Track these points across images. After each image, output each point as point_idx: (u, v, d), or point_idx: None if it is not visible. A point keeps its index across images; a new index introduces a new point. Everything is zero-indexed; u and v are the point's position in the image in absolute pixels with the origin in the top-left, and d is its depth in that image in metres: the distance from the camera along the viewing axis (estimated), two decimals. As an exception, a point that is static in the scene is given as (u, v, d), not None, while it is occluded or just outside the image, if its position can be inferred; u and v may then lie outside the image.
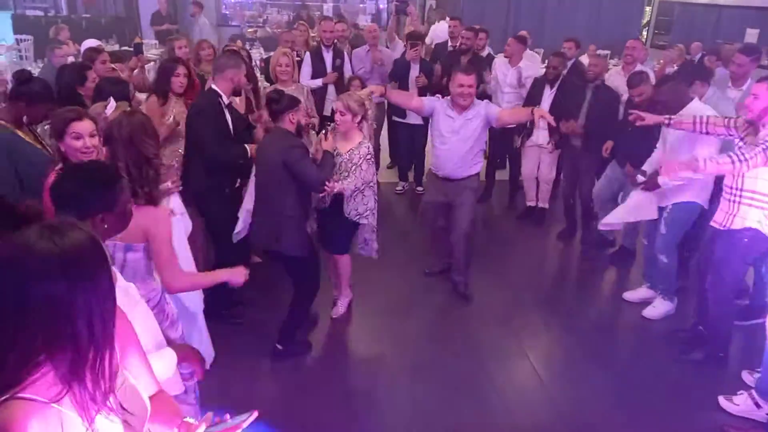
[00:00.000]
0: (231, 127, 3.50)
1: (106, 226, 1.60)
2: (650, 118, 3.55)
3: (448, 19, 8.36)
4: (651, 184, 3.67)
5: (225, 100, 3.47)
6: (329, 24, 5.52)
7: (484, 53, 5.97)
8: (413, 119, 5.67)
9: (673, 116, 3.48)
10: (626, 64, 5.22)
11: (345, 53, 5.60)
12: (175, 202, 2.94)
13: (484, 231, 5.21)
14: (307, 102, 4.66)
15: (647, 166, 3.85)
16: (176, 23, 10.72)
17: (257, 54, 8.59)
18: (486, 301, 4.18)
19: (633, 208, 3.92)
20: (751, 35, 9.50)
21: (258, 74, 5.80)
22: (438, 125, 3.91)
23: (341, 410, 3.06)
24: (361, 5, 13.91)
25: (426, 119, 5.57)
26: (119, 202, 1.64)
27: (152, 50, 8.61)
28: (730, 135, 3.29)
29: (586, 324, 3.99)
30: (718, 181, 3.53)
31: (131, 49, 7.82)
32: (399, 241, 4.98)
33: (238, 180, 3.65)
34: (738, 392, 3.15)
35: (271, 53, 5.87)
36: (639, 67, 4.97)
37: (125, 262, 2.18)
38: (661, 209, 3.83)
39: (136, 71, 5.04)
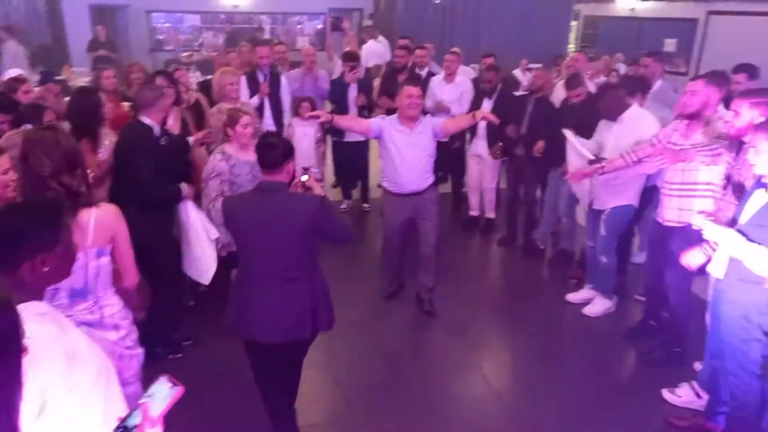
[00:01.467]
0: (168, 159, 3.33)
1: (47, 269, 1.45)
2: (587, 171, 3.76)
3: (380, 37, 8.49)
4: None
5: (158, 131, 3.31)
6: (264, 49, 5.45)
7: (424, 71, 6.07)
8: (353, 137, 5.70)
9: (604, 164, 3.68)
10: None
11: (283, 76, 5.55)
12: None
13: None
14: (255, 119, 4.59)
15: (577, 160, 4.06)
16: (116, 51, 10.45)
17: (194, 78, 8.43)
18: (438, 312, 4.20)
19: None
20: (670, 45, 10.12)
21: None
22: (391, 143, 3.86)
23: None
24: (299, 26, 13.95)
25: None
26: (61, 241, 1.49)
27: (81, 78, 8.31)
28: (657, 149, 3.44)
29: (533, 328, 4.07)
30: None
31: (62, 78, 7.54)
32: (349, 260, 4.96)
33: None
34: (679, 384, 3.28)
35: (209, 76, 5.79)
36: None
37: (99, 269, 2.15)
38: (599, 213, 3.99)
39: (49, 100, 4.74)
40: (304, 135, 5.32)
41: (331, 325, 2.64)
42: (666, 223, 3.39)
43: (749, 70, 4.20)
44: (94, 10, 12.07)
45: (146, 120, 3.28)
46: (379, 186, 4.42)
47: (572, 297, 4.38)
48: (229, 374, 3.31)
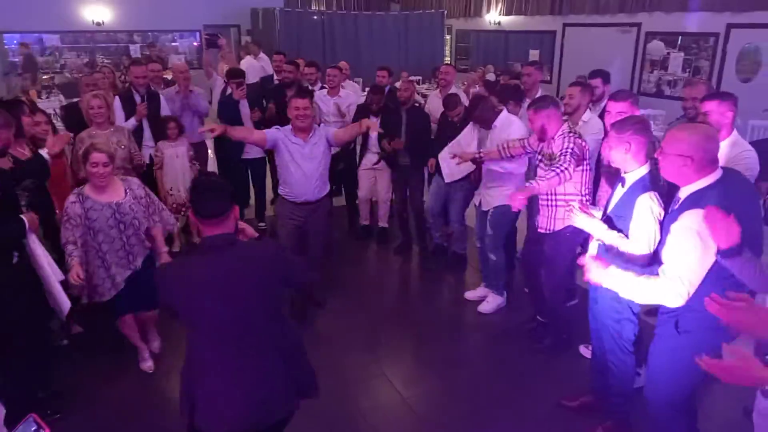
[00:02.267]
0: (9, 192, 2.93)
1: None
2: (465, 156, 4.03)
3: (261, 54, 8.38)
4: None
5: None
6: (140, 69, 5.16)
7: (317, 87, 6.07)
8: (251, 154, 5.57)
9: (482, 151, 3.99)
10: (442, 87, 5.60)
11: (162, 95, 5.28)
12: None
13: (330, 256, 5.23)
14: (131, 144, 4.42)
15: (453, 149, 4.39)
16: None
17: (57, 102, 7.80)
18: (340, 325, 4.19)
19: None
20: (534, 55, 10.96)
21: (57, 122, 5.27)
22: (287, 154, 3.93)
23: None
24: (173, 44, 13.40)
25: (267, 151, 5.51)
26: None
27: None
28: (528, 153, 3.80)
29: (435, 332, 4.17)
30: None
31: None
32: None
33: (16, 255, 2.90)
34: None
35: (73, 99, 5.37)
36: (453, 89, 5.47)
37: None
38: (485, 213, 4.25)
39: None
40: (175, 156, 5.06)
41: (318, 390, 2.35)
42: (540, 230, 3.65)
43: (604, 75, 4.61)
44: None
45: None
46: (276, 197, 4.38)
47: (470, 295, 4.59)
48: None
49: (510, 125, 4.09)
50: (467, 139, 4.36)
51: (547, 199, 3.53)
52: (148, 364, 3.66)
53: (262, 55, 8.41)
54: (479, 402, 3.37)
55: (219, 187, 2.01)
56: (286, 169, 3.97)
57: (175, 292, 1.99)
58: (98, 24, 12.41)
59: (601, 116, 3.93)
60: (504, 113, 4.17)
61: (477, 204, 4.45)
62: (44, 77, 10.80)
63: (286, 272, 2.10)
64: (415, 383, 3.61)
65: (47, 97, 8.54)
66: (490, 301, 4.41)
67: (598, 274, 2.40)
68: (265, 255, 2.06)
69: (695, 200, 2.19)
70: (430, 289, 4.99)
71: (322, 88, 6.00)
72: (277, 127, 4.06)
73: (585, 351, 3.76)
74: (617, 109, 3.29)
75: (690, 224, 2.14)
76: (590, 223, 2.74)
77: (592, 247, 2.84)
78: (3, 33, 11.90)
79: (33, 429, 1.29)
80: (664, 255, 2.28)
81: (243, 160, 5.64)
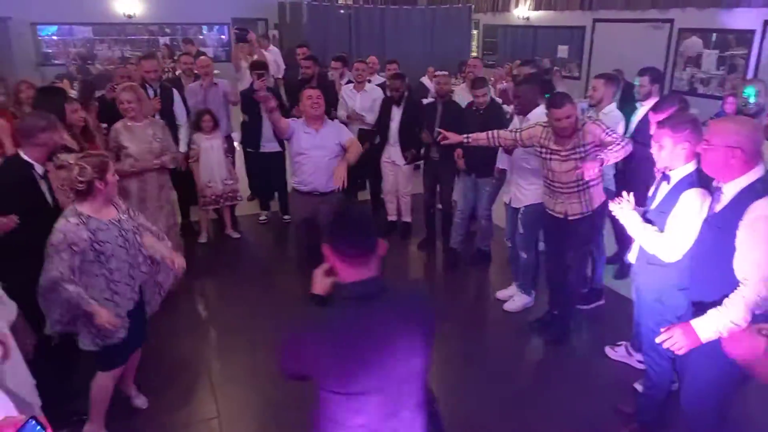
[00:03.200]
0: (50, 200, 2.93)
1: None
2: (453, 137, 4.00)
3: (271, 47, 8.40)
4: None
5: (39, 170, 2.88)
6: (151, 63, 5.20)
7: (343, 81, 6.08)
8: (269, 147, 5.61)
9: (470, 135, 3.95)
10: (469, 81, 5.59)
11: (174, 90, 5.31)
12: None
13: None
14: (166, 137, 4.35)
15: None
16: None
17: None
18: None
19: None
20: (563, 51, 10.81)
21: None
22: (299, 143, 4.06)
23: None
24: (200, 37, 13.54)
25: (284, 146, 5.56)
26: None
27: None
28: (519, 144, 3.77)
29: (456, 327, 4.16)
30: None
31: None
32: (268, 265, 4.87)
33: None
34: (618, 343, 3.69)
35: (104, 91, 5.45)
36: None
37: None
38: (515, 210, 4.20)
39: None
40: (210, 148, 5.16)
41: None
42: (571, 218, 3.60)
43: (652, 73, 4.31)
44: (-32, 22, 11.08)
45: (24, 155, 2.86)
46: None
47: (502, 294, 4.53)
48: None
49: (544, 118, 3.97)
50: None
51: (577, 186, 3.49)
52: (141, 400, 3.22)
53: (272, 47, 8.43)
54: (502, 399, 3.35)
55: (365, 218, 1.69)
56: (300, 158, 4.10)
57: (316, 356, 1.55)
58: (129, 16, 12.61)
59: (647, 117, 3.87)
60: (540, 109, 4.03)
61: (507, 202, 4.38)
62: (75, 68, 11.00)
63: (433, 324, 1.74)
64: (436, 379, 3.60)
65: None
66: (517, 300, 4.37)
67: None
68: (421, 306, 1.74)
69: (748, 194, 2.11)
70: (453, 285, 4.97)
71: (348, 82, 6.01)
72: (295, 118, 4.25)
73: (611, 352, 3.71)
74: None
75: (764, 212, 2.03)
76: (628, 217, 2.66)
77: (632, 250, 2.83)
78: (37, 25, 12.17)
79: (37, 430, 1.26)
80: (739, 264, 2.11)
81: (261, 154, 5.69)
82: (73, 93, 5.26)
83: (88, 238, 2.57)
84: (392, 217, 5.84)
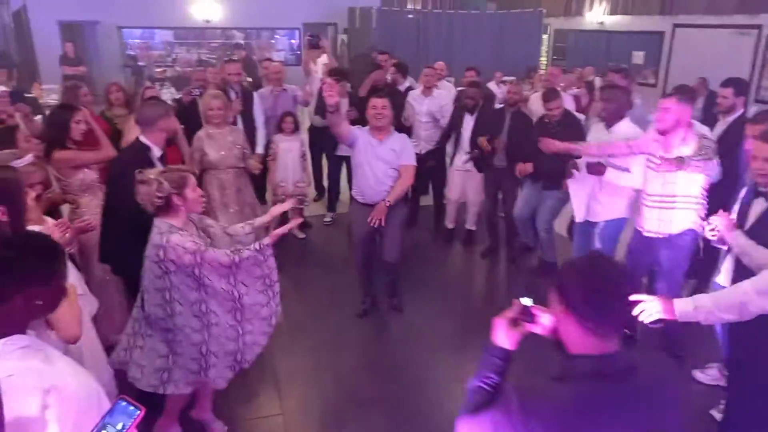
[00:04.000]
0: None
1: (40, 302, 1.41)
2: (561, 146, 3.78)
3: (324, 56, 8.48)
4: (596, 170, 3.79)
5: (157, 152, 3.16)
6: (234, 66, 5.42)
7: (404, 86, 6.14)
8: (344, 151, 5.71)
9: (579, 145, 3.73)
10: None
11: (255, 93, 5.51)
12: (74, 277, 2.55)
13: (414, 257, 5.26)
14: (245, 144, 4.48)
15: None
16: (83, 63, 10.32)
17: (168, 94, 8.37)
18: (422, 326, 4.20)
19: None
20: (638, 57, 10.41)
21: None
22: (362, 152, 3.94)
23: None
24: (272, 41, 13.95)
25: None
26: (56, 276, 1.46)
27: (53, 95, 8.16)
28: (633, 153, 3.55)
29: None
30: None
31: (32, 95, 7.39)
32: (332, 272, 4.96)
33: None
34: (707, 365, 3.48)
35: (181, 94, 5.74)
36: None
37: None
38: (593, 225, 4.04)
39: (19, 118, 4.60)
40: (288, 150, 5.34)
41: None
42: (646, 234, 3.46)
43: (736, 85, 4.09)
44: (63, 27, 11.90)
45: (144, 139, 3.15)
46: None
47: None
48: None
49: (631, 134, 3.71)
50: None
51: (661, 200, 3.33)
52: (218, 425, 3.08)
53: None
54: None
55: (624, 279, 1.36)
56: (359, 168, 3.97)
57: None
58: (207, 21, 13.18)
59: (729, 131, 3.67)
60: (627, 122, 3.82)
61: (581, 214, 4.18)
62: (157, 70, 11.61)
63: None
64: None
65: (160, 89, 9.18)
66: None
67: None
68: (674, 393, 1.36)
69: None
70: (516, 296, 4.88)
71: (408, 89, 6.05)
72: (359, 126, 4.11)
73: (701, 376, 3.50)
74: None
75: None
76: (738, 236, 2.49)
77: (723, 275, 2.68)
78: (122, 28, 12.92)
79: (130, 410, 1.27)
80: None
81: (338, 156, 5.81)
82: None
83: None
84: (450, 225, 5.81)
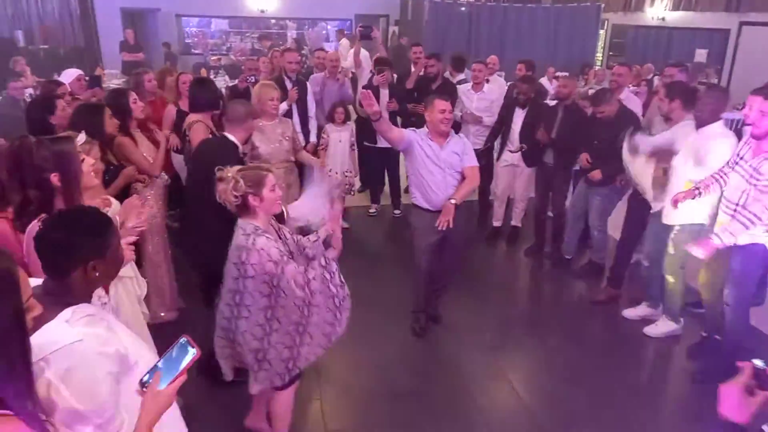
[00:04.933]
0: None
1: (97, 273, 1.51)
2: (685, 195, 3.45)
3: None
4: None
5: (241, 150, 3.27)
6: (293, 55, 5.50)
7: (458, 79, 6.11)
8: (385, 142, 5.70)
9: (700, 188, 3.43)
10: (613, 90, 4.93)
11: (308, 83, 5.59)
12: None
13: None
14: (295, 135, 4.48)
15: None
16: (142, 50, 10.67)
17: (222, 81, 8.57)
18: (462, 323, 4.19)
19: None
20: (700, 55, 9.98)
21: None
22: (422, 158, 3.63)
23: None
24: (324, 32, 14.05)
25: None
26: (110, 247, 1.55)
27: (114, 80, 8.49)
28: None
29: (562, 339, 4.03)
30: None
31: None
32: (374, 264, 4.98)
33: None
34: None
35: (236, 81, 5.87)
36: (625, 92, 5.01)
37: None
38: (665, 227, 3.78)
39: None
40: (338, 140, 5.40)
41: None
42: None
43: None
44: (125, 14, 12.32)
45: (230, 136, 3.23)
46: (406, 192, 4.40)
47: (629, 313, 4.22)
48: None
49: (718, 141, 3.47)
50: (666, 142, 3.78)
51: (735, 210, 3.15)
52: None
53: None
54: (606, 426, 3.20)
55: None
56: (419, 174, 3.66)
57: None
58: (262, 11, 13.39)
59: None
60: (720, 124, 3.54)
61: (652, 213, 3.97)
62: (213, 58, 11.90)
63: None
64: (537, 389, 3.52)
65: (215, 77, 9.41)
66: (661, 326, 3.99)
67: None
68: None
69: None
70: (560, 296, 4.81)
71: (459, 82, 5.99)
72: (414, 129, 3.82)
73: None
74: None
75: None
76: None
77: None
78: (181, 16, 13.28)
79: (189, 349, 1.44)
80: None
81: (377, 148, 5.79)
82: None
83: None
84: (497, 223, 5.74)
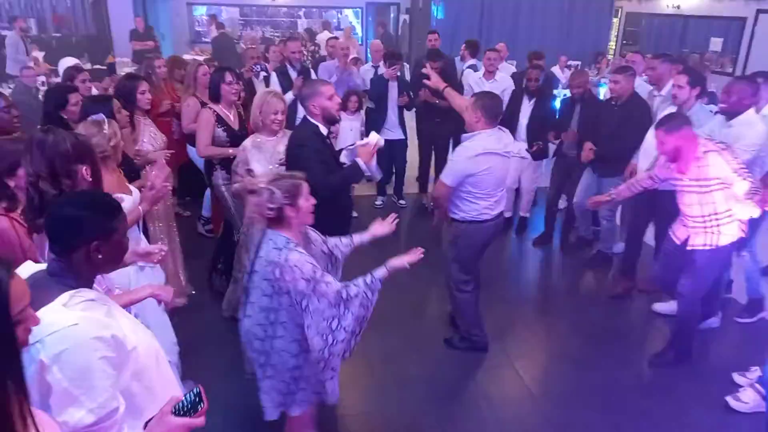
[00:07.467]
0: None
1: (100, 256, 1.51)
2: (603, 201, 3.78)
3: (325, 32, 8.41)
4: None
5: (323, 130, 3.22)
6: (296, 44, 5.47)
7: (468, 63, 6.10)
8: (392, 135, 5.68)
9: (614, 193, 3.71)
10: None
11: (311, 70, 5.58)
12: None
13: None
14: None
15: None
16: (153, 38, 10.68)
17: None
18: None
19: None
20: (715, 44, 9.82)
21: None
22: (493, 172, 3.34)
23: (331, 426, 3.03)
24: (334, 21, 13.98)
25: (406, 134, 5.63)
26: (117, 231, 1.55)
27: (125, 68, 8.52)
28: (658, 184, 3.50)
29: (568, 329, 4.03)
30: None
31: (104, 67, 7.75)
32: (385, 251, 4.97)
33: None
34: (740, 389, 3.23)
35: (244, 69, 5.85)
36: (637, 80, 4.90)
37: None
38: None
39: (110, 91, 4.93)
40: (350, 129, 5.36)
41: None
42: (691, 247, 3.29)
43: None
44: (136, 2, 12.31)
45: (311, 118, 3.18)
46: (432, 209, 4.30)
47: (660, 308, 4.16)
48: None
49: (750, 127, 3.47)
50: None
51: (704, 220, 3.17)
52: None
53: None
54: (610, 413, 3.20)
55: None
56: (492, 187, 3.32)
57: None
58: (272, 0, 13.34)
59: None
60: (751, 112, 3.53)
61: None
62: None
63: None
64: (544, 379, 3.53)
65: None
66: (673, 303, 3.93)
67: None
68: None
69: None
70: (568, 285, 4.80)
71: (470, 66, 5.96)
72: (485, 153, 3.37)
73: (741, 380, 3.36)
74: None
75: None
76: None
77: None
78: (192, 5, 13.26)
79: (197, 399, 1.43)
80: None
81: (385, 140, 5.75)
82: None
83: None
84: (508, 214, 5.71)
